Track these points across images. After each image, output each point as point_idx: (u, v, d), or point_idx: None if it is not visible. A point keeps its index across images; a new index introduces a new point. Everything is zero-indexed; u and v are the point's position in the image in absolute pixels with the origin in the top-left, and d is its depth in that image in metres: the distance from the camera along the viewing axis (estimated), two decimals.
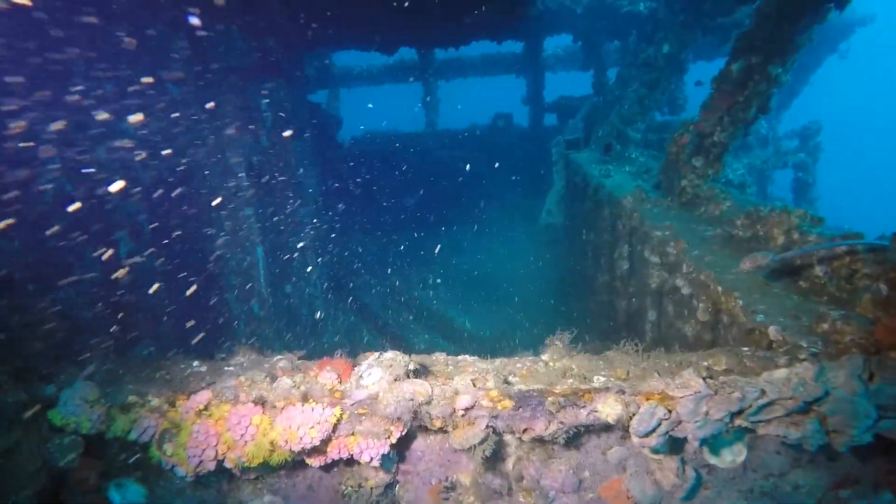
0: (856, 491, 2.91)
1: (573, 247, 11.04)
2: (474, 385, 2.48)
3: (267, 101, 8.87)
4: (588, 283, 9.90)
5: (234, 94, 7.66)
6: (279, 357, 3.19)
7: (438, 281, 13.05)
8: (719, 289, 4.17)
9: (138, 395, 2.61)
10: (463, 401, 2.41)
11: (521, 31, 13.72)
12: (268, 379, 2.63)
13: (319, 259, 10.88)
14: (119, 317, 5.53)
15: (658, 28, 11.61)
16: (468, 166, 15.43)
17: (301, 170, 9.99)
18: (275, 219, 9.11)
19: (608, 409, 2.40)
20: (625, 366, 2.89)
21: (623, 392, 2.42)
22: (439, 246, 13.64)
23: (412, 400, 2.35)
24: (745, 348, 3.06)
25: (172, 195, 6.69)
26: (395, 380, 2.45)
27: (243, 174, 7.61)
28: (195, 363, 3.17)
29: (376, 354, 2.58)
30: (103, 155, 4.92)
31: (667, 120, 13.65)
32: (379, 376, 2.42)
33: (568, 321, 10.51)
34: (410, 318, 11.97)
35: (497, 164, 15.53)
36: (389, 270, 13.43)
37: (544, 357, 3.05)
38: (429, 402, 2.41)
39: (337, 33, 9.91)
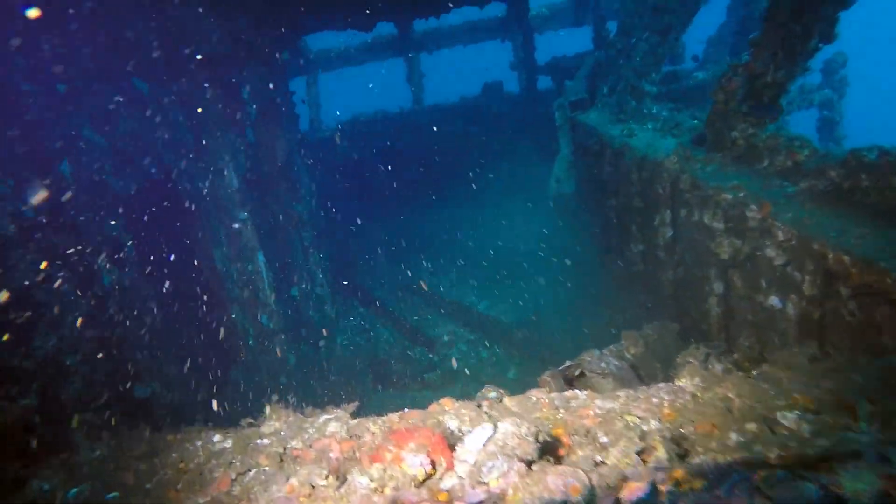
0: None
1: (591, 216, 10.26)
2: (643, 460, 1.70)
3: (249, 90, 7.92)
4: (615, 254, 9.13)
5: (213, 85, 6.72)
6: (326, 417, 2.38)
7: (452, 265, 12.28)
8: (845, 259, 3.40)
9: None
10: (636, 491, 1.63)
11: None
12: (330, 477, 1.83)
13: (322, 256, 10.05)
14: (110, 356, 4.69)
15: None
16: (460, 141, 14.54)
17: (292, 163, 9.10)
18: (271, 219, 8.25)
19: (860, 484, 1.62)
20: (801, 387, 2.11)
21: (887, 460, 1.63)
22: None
23: (566, 501, 1.56)
24: None
25: (155, 207, 5.83)
26: (529, 465, 1.66)
27: (233, 174, 6.72)
28: (216, 437, 2.36)
29: (486, 429, 1.76)
30: (67, 168, 4.05)
31: (672, 70, 12.74)
32: (505, 468, 1.63)
33: (593, 296, 9.73)
34: (425, 307, 11.20)
35: (492, 136, 14.65)
36: (396, 260, 12.65)
37: (682, 383, 2.26)
38: (590, 502, 1.62)
39: (311, 7, 8.89)
